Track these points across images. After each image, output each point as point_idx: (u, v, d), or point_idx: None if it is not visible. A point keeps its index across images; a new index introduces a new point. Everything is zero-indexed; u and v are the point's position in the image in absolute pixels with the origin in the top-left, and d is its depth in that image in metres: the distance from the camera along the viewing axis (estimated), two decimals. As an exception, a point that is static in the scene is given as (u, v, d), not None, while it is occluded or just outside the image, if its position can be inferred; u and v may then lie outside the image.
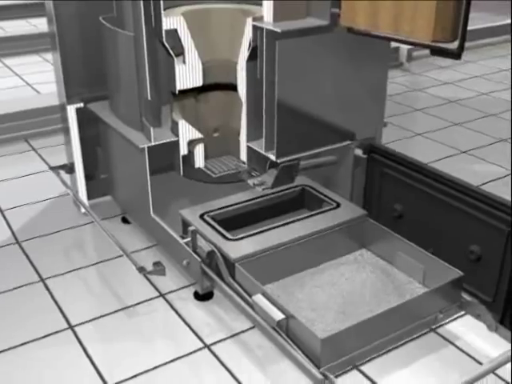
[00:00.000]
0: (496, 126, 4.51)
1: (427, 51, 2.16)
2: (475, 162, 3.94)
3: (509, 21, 6.70)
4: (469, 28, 1.98)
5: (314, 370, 2.02)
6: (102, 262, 2.89)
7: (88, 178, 3.18)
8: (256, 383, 2.21)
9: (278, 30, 2.29)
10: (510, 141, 4.23)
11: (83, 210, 3.17)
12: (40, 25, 6.52)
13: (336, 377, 2.03)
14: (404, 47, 5.61)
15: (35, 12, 6.82)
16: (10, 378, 2.24)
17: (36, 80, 5.35)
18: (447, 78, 5.55)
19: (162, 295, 2.66)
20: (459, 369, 2.24)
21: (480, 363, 2.26)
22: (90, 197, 3.22)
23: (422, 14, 2.04)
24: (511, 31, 6.60)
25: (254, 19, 2.42)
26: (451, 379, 2.04)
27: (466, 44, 6.75)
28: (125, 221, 3.20)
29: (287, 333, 2.15)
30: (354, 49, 2.54)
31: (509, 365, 2.16)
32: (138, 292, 2.68)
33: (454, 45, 2.07)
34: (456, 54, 2.08)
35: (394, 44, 5.81)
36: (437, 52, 2.12)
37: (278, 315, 2.13)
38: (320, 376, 2.00)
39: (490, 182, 3.60)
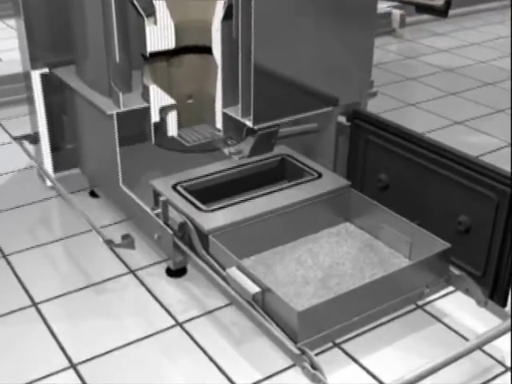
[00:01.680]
0: (494, 95, 4.56)
1: (422, 16, 2.21)
2: (471, 133, 3.98)
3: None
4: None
5: (291, 346, 2.07)
6: (68, 237, 2.92)
7: (54, 148, 3.20)
8: (231, 362, 2.26)
9: (254, -15, 2.32)
10: (508, 111, 4.27)
11: (49, 183, 3.19)
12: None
13: (316, 355, 2.06)
14: (396, 12, 5.63)
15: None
16: (-31, 358, 2.28)
17: (-1, 47, 5.35)
18: (443, 46, 5.58)
19: (132, 272, 2.69)
20: (446, 347, 2.28)
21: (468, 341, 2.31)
22: (56, 169, 3.24)
23: (406, -32, 2.07)
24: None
25: (229, -25, 2.44)
26: (437, 358, 2.07)
27: (464, 9, 6.75)
28: (93, 195, 3.23)
29: (263, 307, 2.19)
30: (337, 8, 2.55)
31: (497, 341, 2.22)
32: (107, 268, 2.71)
33: (440, 1, 2.10)
34: (442, 11, 2.11)
35: (385, 9, 5.83)
36: (423, 9, 2.16)
37: (254, 288, 2.17)
38: (297, 351, 2.04)
39: (486, 153, 3.65)
